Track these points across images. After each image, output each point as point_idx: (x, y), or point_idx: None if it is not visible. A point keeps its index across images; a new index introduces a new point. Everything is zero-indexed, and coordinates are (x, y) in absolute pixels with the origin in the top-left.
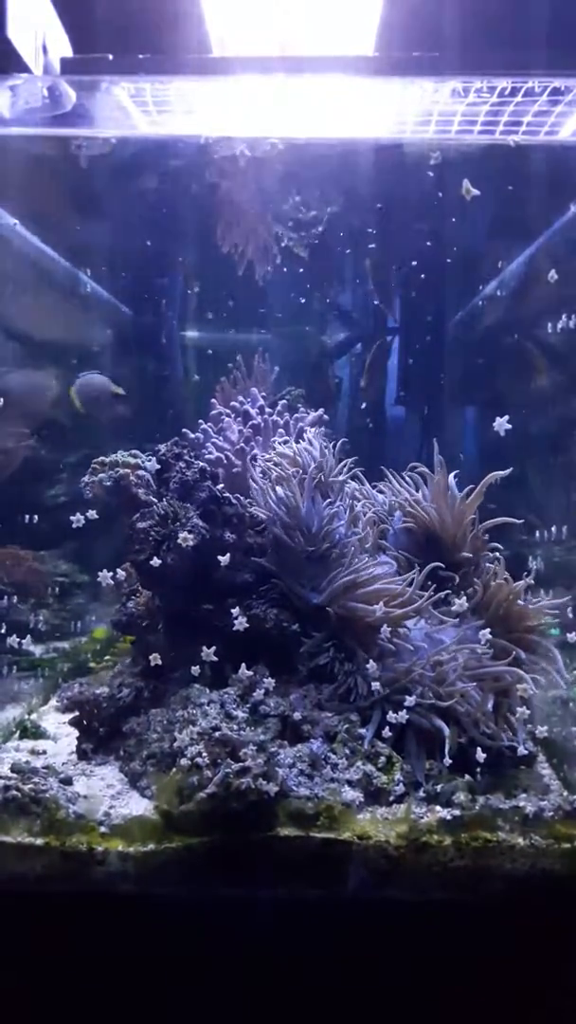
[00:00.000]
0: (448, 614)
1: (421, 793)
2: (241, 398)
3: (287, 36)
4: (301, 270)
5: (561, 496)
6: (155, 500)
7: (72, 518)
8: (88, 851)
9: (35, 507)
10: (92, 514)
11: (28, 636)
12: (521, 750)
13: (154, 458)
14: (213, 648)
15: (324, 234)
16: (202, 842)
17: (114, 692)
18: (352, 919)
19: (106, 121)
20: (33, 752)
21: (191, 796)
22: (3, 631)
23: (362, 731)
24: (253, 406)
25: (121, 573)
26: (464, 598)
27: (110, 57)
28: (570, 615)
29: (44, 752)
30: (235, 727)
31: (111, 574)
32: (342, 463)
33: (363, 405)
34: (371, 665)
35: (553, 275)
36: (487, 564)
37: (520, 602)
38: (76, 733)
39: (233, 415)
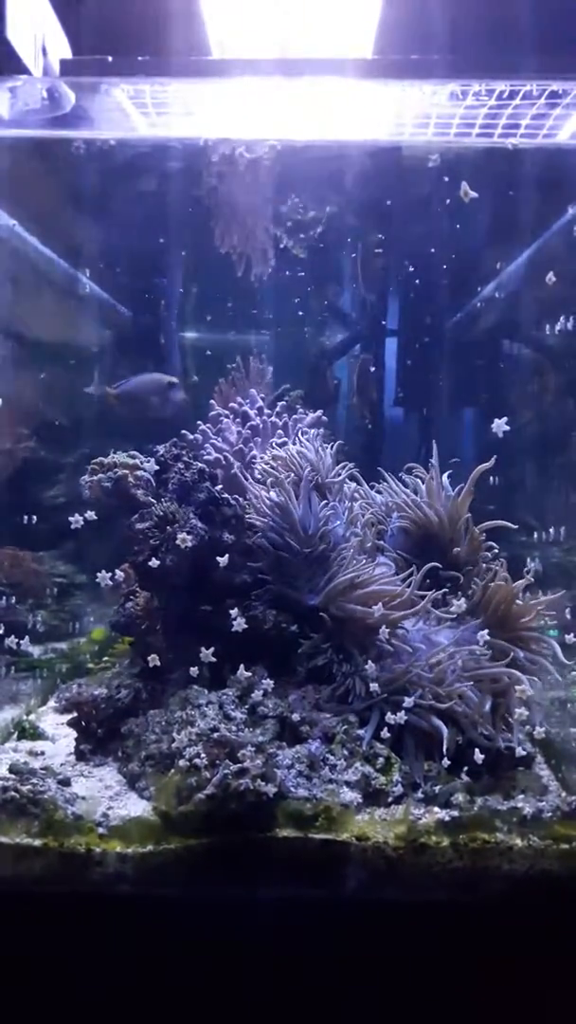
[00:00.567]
0: (447, 614)
1: (419, 794)
2: (240, 399)
3: (286, 38)
4: (300, 271)
5: (560, 497)
6: (154, 501)
7: (71, 519)
8: (86, 852)
9: (34, 508)
10: (91, 515)
11: (27, 637)
12: (519, 751)
13: (153, 459)
14: (211, 649)
15: (323, 236)
16: (201, 843)
17: (112, 693)
18: (351, 920)
19: (105, 123)
20: (31, 753)
21: (189, 797)
22: (2, 632)
23: (360, 732)
24: (252, 407)
25: (120, 574)
26: (462, 599)
27: (109, 59)
28: (568, 615)
29: (42, 753)
30: (234, 728)
31: (110, 575)
32: (340, 464)
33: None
34: (370, 666)
35: (551, 277)
36: (486, 565)
37: (519, 602)
38: (74, 734)
39: (232, 416)
